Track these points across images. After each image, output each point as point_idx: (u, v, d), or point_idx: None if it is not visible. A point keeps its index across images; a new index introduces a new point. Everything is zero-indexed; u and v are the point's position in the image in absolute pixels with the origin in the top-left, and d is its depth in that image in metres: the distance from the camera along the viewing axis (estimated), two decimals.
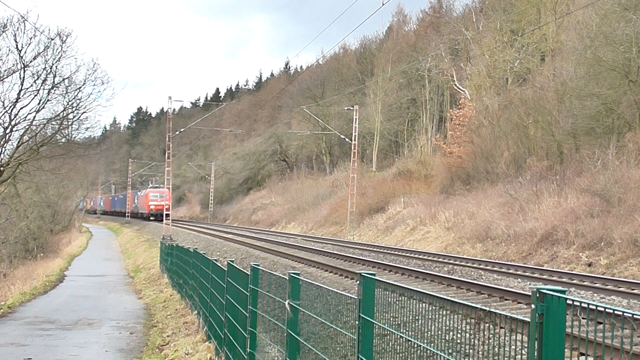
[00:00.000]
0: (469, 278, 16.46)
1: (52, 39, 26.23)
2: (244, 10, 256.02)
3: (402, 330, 3.98)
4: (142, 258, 33.61)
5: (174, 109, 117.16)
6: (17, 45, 25.34)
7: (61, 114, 28.98)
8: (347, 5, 79.04)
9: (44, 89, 26.96)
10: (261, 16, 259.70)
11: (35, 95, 26.91)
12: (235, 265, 9.08)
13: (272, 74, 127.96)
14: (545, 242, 23.00)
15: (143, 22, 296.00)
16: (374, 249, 28.21)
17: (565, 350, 3.48)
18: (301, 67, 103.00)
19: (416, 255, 24.22)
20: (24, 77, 26.11)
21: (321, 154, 72.77)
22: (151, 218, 68.80)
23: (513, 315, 3.04)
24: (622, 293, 13.66)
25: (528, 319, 2.88)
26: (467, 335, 3.40)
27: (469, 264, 20.72)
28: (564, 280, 16.35)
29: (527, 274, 17.84)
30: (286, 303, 5.82)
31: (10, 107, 26.49)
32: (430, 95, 57.70)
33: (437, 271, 18.23)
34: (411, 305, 3.91)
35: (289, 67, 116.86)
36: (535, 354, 2.82)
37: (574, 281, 16.09)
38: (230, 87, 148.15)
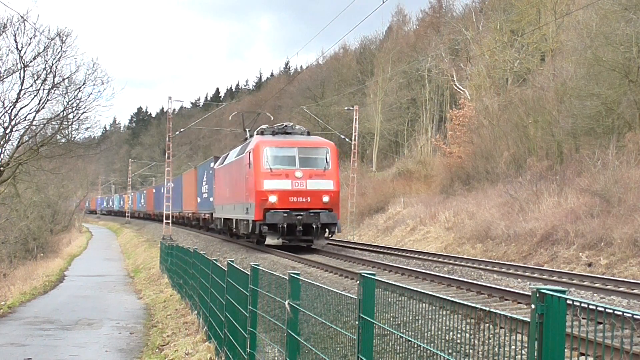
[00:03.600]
0: (469, 278, 16.43)
1: (52, 39, 26.30)
2: (248, 9, 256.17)
3: (402, 330, 3.98)
4: (142, 258, 33.62)
5: (174, 109, 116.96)
6: (17, 45, 25.42)
7: (61, 114, 29.04)
8: (351, 6, 78.96)
9: (44, 89, 27.04)
10: (266, 15, 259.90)
11: (35, 95, 26.99)
12: (235, 265, 9.08)
13: (272, 74, 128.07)
14: (545, 242, 22.98)
15: (143, 22, 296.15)
16: (374, 249, 28.18)
17: (565, 350, 3.48)
18: (301, 67, 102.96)
19: (416, 255, 24.19)
20: (24, 77, 26.18)
21: None
22: (267, 241, 23.04)
23: (513, 315, 3.04)
24: (622, 293, 13.65)
25: (528, 319, 2.88)
26: (467, 335, 3.40)
27: (469, 264, 20.69)
28: (564, 280, 16.33)
29: (527, 274, 17.82)
30: (286, 303, 5.82)
31: (10, 107, 26.57)
32: (430, 95, 57.71)
33: (437, 271, 18.20)
34: (411, 305, 3.91)
35: (289, 67, 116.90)
36: (535, 354, 2.82)
37: (574, 281, 16.07)
38: (230, 87, 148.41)
